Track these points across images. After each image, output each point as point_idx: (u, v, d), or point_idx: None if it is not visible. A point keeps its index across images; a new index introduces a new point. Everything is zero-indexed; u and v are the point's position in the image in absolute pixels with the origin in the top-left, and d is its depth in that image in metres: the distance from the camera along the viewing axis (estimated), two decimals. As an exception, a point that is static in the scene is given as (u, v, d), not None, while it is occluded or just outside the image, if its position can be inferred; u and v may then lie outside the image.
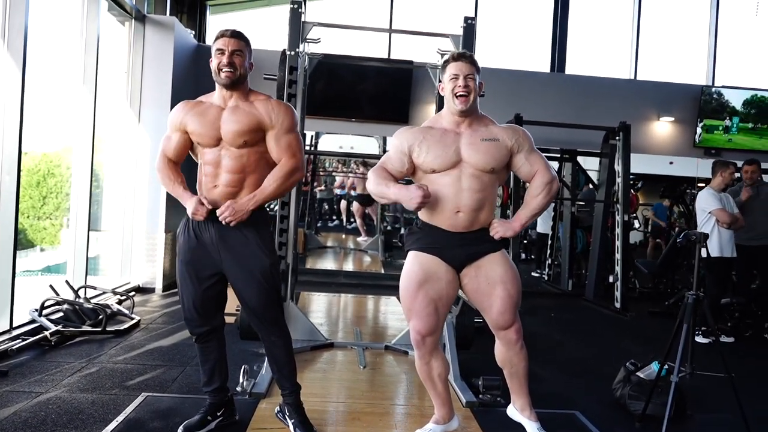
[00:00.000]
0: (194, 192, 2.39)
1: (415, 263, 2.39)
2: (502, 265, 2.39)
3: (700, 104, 7.37)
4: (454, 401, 3.05)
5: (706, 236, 2.89)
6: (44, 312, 4.13)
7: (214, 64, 2.30)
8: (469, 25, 3.59)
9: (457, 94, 2.30)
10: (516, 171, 2.45)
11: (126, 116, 5.88)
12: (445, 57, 2.45)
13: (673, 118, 7.43)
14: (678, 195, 9.35)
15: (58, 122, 5.17)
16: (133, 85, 5.91)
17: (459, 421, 2.61)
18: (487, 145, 2.35)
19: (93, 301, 4.63)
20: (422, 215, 2.44)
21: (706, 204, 4.99)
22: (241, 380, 2.97)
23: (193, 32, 6.99)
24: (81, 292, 4.66)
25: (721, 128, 7.48)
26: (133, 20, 5.88)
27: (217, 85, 2.36)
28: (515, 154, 2.40)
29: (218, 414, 2.52)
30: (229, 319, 3.96)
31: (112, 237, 5.98)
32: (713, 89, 7.53)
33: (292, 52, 3.60)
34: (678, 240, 4.46)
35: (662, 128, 7.49)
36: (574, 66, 7.93)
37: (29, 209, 5.65)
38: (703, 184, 5.24)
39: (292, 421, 2.49)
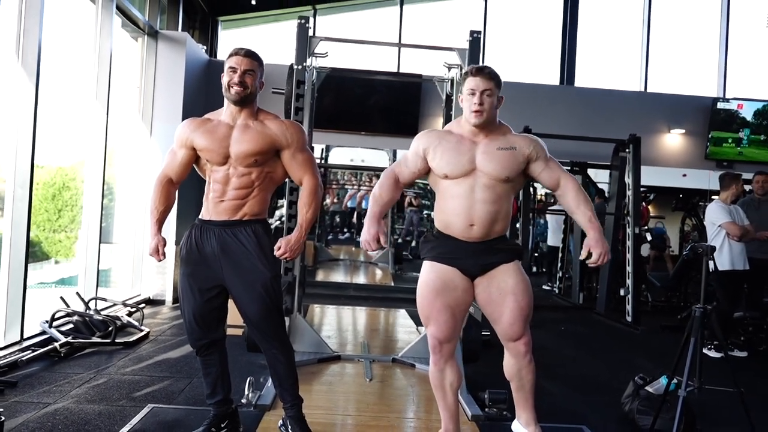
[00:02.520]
0: (200, 202, 2.43)
1: (431, 272, 2.41)
2: (515, 276, 2.39)
3: (710, 116, 7.33)
4: (460, 415, 3.04)
5: (713, 249, 2.86)
6: (55, 324, 4.17)
7: (225, 80, 2.34)
8: (475, 39, 3.61)
9: (472, 110, 2.33)
10: (536, 177, 2.45)
11: (138, 130, 5.96)
12: (466, 69, 2.47)
13: (684, 131, 7.39)
14: (690, 207, 9.26)
15: (73, 136, 5.25)
16: (145, 99, 6.00)
17: (464, 435, 2.59)
18: (503, 154, 2.36)
19: (103, 313, 4.67)
20: (437, 223, 2.47)
21: (716, 217, 4.93)
22: (246, 392, 2.97)
23: (205, 47, 7.09)
24: (91, 304, 4.71)
25: (730, 140, 7.42)
26: (146, 36, 5.98)
27: (225, 102, 2.39)
28: (533, 161, 2.41)
29: (222, 426, 2.52)
30: (236, 332, 4.01)
31: (124, 249, 6.04)
32: (723, 101, 7.49)
33: (300, 66, 3.64)
34: (685, 253, 4.42)
35: (673, 140, 7.46)
36: (583, 79, 7.93)
37: (45, 222, 5.72)
38: (717, 197, 5.19)
39: None
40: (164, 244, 2.38)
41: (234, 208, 2.36)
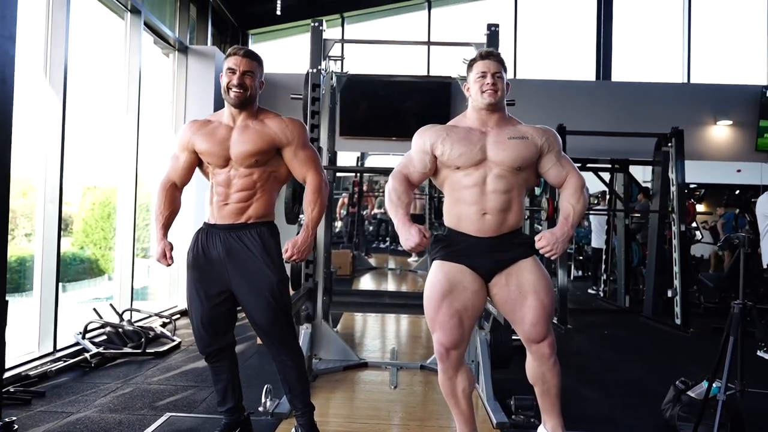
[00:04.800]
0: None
1: (439, 272, 2.28)
2: (535, 272, 2.25)
3: (760, 106, 6.93)
4: (485, 422, 2.91)
5: (751, 240, 2.65)
6: (89, 335, 4.25)
7: (224, 81, 2.29)
8: (493, 32, 3.50)
9: (484, 90, 2.23)
10: (544, 173, 2.33)
11: (171, 145, 6.07)
12: (472, 56, 2.38)
13: (731, 122, 7.01)
14: (743, 203, 8.78)
15: (119, 156, 5.37)
16: (177, 113, 6.11)
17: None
18: (514, 142, 2.25)
19: (137, 324, 4.74)
20: (448, 221, 2.35)
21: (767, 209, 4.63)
22: (263, 400, 2.92)
23: (236, 61, 7.18)
24: (126, 316, 4.78)
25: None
26: (176, 52, 6.11)
27: (226, 103, 2.37)
28: (544, 154, 2.29)
29: (234, 434, 2.47)
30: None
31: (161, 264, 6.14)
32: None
33: (314, 70, 3.61)
34: (718, 245, 4.14)
35: (720, 132, 7.08)
36: (620, 73, 7.65)
37: (101, 240, 5.92)
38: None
39: None
40: (171, 248, 2.36)
41: (238, 210, 2.31)
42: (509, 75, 2.37)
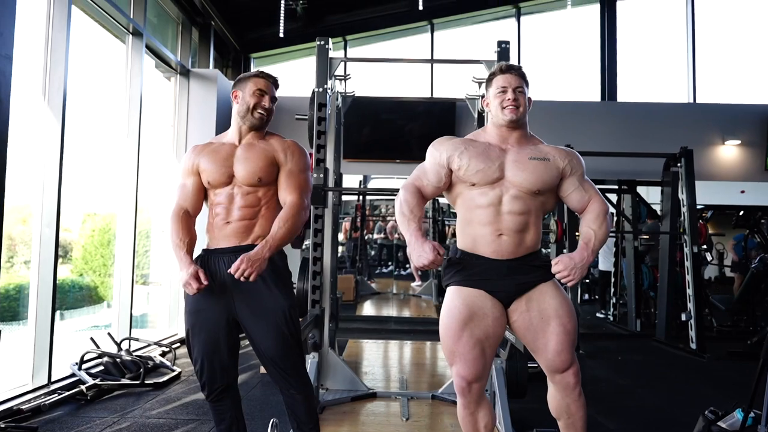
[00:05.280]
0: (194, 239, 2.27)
1: (456, 299, 2.12)
2: (556, 296, 2.11)
3: (768, 125, 6.86)
4: (505, 457, 2.73)
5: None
6: (86, 365, 4.08)
7: (250, 101, 2.22)
8: (504, 49, 3.41)
9: (505, 106, 2.13)
10: (566, 197, 2.19)
11: (173, 169, 5.97)
12: (492, 69, 2.27)
13: (739, 141, 6.93)
14: (753, 224, 8.65)
15: (119, 180, 5.26)
16: (179, 137, 6.02)
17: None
18: (535, 164, 2.12)
19: (135, 353, 4.57)
20: (461, 243, 2.20)
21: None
22: (269, 435, 2.75)
23: (238, 84, 7.13)
24: (124, 345, 4.61)
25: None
26: (178, 75, 6.04)
27: (235, 123, 2.27)
28: (566, 177, 2.16)
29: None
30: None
31: (161, 289, 5.99)
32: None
33: (320, 89, 3.51)
34: (753, 265, 4.01)
35: (728, 153, 6.99)
36: (626, 94, 7.59)
37: (100, 267, 5.79)
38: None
39: None
40: (203, 271, 2.12)
41: (243, 229, 2.18)
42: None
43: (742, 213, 8.51)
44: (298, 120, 3.83)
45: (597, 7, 7.73)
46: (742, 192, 9.31)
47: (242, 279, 2.03)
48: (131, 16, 4.94)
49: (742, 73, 7.86)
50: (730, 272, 10.19)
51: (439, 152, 2.18)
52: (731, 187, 8.33)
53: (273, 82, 2.28)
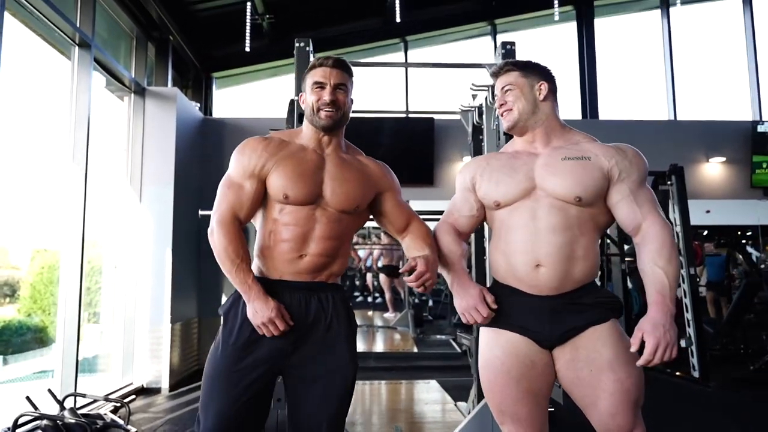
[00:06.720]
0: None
1: (495, 347, 1.73)
2: (612, 345, 1.67)
3: (752, 141, 6.71)
4: None
5: (754, 283, 2.14)
6: (20, 431, 3.42)
7: (310, 100, 1.76)
8: (509, 51, 3.04)
9: (499, 114, 1.85)
10: (612, 208, 1.74)
11: (126, 196, 5.37)
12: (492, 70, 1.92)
13: (724, 158, 6.75)
14: (735, 243, 8.51)
15: (64, 210, 4.64)
16: (133, 162, 5.43)
17: None
18: (570, 165, 1.71)
19: (81, 411, 3.90)
20: (494, 271, 1.81)
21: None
22: None
23: (199, 105, 6.60)
24: (69, 401, 3.94)
25: (765, 165, 6.75)
26: (132, 94, 5.48)
27: (307, 127, 1.81)
28: (613, 181, 1.72)
29: None
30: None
31: (113, 331, 5.32)
32: (761, 124, 6.88)
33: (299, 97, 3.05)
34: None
35: (713, 170, 6.80)
36: (607, 112, 7.38)
37: (50, 306, 5.15)
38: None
39: None
40: (281, 313, 1.64)
41: (319, 266, 1.72)
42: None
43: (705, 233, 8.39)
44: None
45: (574, 24, 7.55)
46: (708, 212, 9.21)
47: (420, 289, 1.68)
48: (78, 25, 4.39)
49: (721, 89, 7.76)
50: (705, 291, 10.08)
51: (464, 177, 1.87)
52: (696, 206, 8.16)
53: (336, 65, 1.76)
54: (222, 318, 1.73)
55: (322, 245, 1.70)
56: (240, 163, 1.73)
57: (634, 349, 1.57)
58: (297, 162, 1.72)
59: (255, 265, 1.76)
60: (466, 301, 1.69)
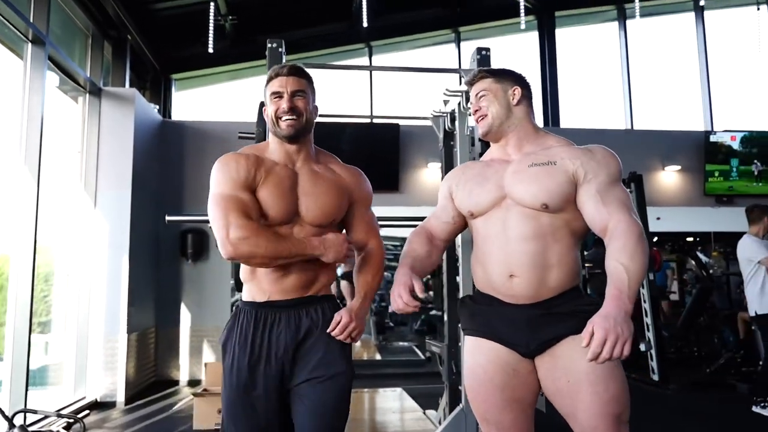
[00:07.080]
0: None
1: (478, 355, 1.72)
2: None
3: (705, 150, 6.96)
4: None
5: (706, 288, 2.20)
6: (-36, 451, 3.19)
7: (270, 111, 1.71)
8: (484, 57, 3.02)
9: (476, 119, 1.83)
10: (581, 211, 1.67)
11: (80, 200, 5.13)
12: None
13: (679, 167, 6.97)
14: (686, 249, 8.79)
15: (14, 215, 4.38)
16: (88, 165, 5.20)
17: None
18: (535, 171, 1.68)
19: (32, 429, 3.68)
20: (475, 280, 1.80)
21: (753, 252, 4.38)
22: None
23: (158, 107, 6.39)
24: (19, 418, 3.71)
25: (717, 173, 7.00)
26: (87, 95, 5.25)
27: (273, 140, 1.76)
28: (580, 183, 1.65)
29: None
30: None
31: (65, 342, 5.06)
32: (713, 134, 7.13)
33: (272, 100, 2.96)
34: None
35: (669, 178, 7.01)
36: (568, 120, 7.52)
37: (1, 315, 4.86)
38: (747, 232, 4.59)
39: None
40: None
41: (306, 281, 1.70)
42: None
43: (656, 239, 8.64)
44: (242, 139, 3.25)
45: (536, 34, 7.68)
46: (658, 219, 9.49)
47: (348, 340, 1.69)
48: (31, 20, 4.17)
49: (676, 99, 8.02)
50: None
51: (443, 187, 1.89)
52: (648, 214, 8.40)
53: (291, 73, 1.72)
54: (221, 349, 1.73)
55: (305, 264, 1.67)
56: (227, 176, 1.66)
57: (584, 344, 1.42)
58: (276, 181, 1.68)
59: (244, 290, 1.75)
60: (394, 286, 1.64)
